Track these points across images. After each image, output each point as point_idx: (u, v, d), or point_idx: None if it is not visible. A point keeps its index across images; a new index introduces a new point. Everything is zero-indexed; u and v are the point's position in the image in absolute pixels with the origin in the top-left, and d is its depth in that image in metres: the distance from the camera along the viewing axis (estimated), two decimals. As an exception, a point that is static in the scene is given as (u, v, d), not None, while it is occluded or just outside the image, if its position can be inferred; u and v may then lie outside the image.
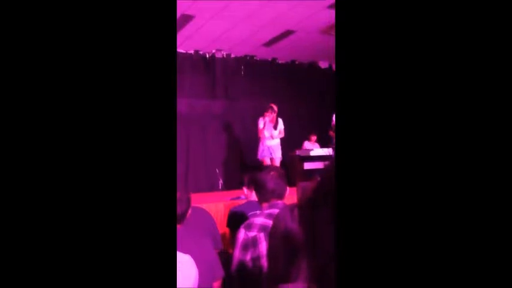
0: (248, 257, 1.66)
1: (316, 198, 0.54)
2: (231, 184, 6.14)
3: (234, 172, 6.55)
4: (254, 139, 6.05)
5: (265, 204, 1.81)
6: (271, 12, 5.09)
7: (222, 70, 6.85)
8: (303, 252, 0.54)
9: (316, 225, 0.52)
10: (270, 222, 1.31)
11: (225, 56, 6.83)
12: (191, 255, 1.33)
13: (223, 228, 2.86)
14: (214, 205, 3.70)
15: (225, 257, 2.09)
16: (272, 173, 1.83)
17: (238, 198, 3.94)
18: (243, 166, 6.62)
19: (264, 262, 1.59)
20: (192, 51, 6.57)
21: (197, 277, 1.32)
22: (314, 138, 6.66)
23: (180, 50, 6.35)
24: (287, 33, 5.91)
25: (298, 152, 5.83)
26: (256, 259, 1.64)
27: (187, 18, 5.16)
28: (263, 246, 1.61)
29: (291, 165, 5.77)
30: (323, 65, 7.75)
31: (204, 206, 2.99)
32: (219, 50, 6.69)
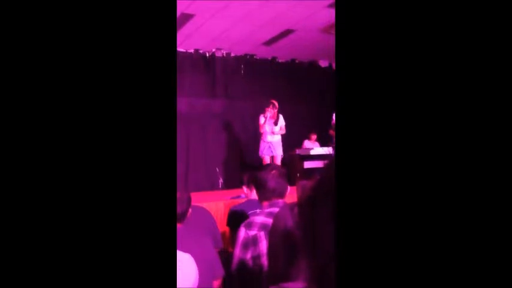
0: (248, 256, 1.66)
1: (316, 197, 0.54)
2: (231, 183, 6.15)
3: (234, 171, 6.56)
4: (254, 138, 6.05)
5: (265, 203, 1.81)
6: (271, 11, 5.09)
7: (222, 69, 6.85)
8: (303, 252, 0.54)
9: (316, 224, 0.52)
10: (270, 221, 1.31)
11: (225, 55, 6.83)
12: (191, 254, 1.33)
13: (223, 227, 2.86)
14: (215, 204, 3.71)
15: (225, 256, 2.09)
16: (273, 171, 1.83)
17: (238, 197, 3.94)
18: (243, 165, 6.62)
19: (265, 261, 1.59)
20: (192, 50, 6.57)
21: (197, 276, 1.32)
22: (314, 137, 6.66)
23: (180, 49, 6.35)
24: (287, 32, 5.90)
25: (298, 151, 5.83)
26: (256, 258, 1.64)
27: (187, 17, 5.15)
28: (263, 245, 1.61)
29: (291, 164, 5.77)
30: (323, 64, 7.75)
31: (204, 205, 2.99)
32: (219, 49, 6.68)
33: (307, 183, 0.56)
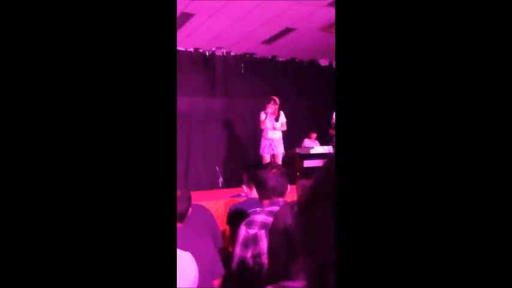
0: (249, 255, 1.66)
1: (315, 197, 0.54)
2: (231, 182, 6.14)
3: (234, 170, 6.56)
4: (254, 136, 6.05)
5: (266, 202, 1.82)
6: (271, 10, 5.08)
7: (222, 68, 6.85)
8: (303, 251, 0.54)
9: (316, 223, 0.52)
10: (270, 220, 1.31)
11: (224, 53, 6.82)
12: (191, 253, 1.33)
13: (223, 225, 2.86)
14: (215, 203, 3.71)
15: (225, 255, 2.10)
16: (273, 170, 1.83)
17: (238, 195, 3.95)
18: (243, 164, 6.62)
19: (265, 259, 1.59)
20: (191, 49, 6.56)
21: (197, 275, 1.33)
22: (314, 136, 6.66)
23: (180, 47, 6.35)
24: (287, 31, 5.90)
25: (298, 150, 5.83)
26: (256, 256, 1.64)
27: (187, 16, 5.15)
28: (264, 244, 1.62)
29: (291, 163, 5.77)
30: (323, 62, 7.74)
31: (204, 203, 2.99)
32: (219, 48, 6.68)
33: (307, 183, 0.56)
